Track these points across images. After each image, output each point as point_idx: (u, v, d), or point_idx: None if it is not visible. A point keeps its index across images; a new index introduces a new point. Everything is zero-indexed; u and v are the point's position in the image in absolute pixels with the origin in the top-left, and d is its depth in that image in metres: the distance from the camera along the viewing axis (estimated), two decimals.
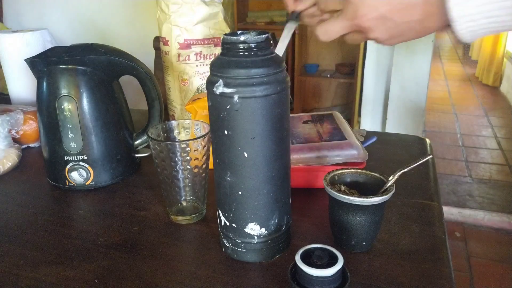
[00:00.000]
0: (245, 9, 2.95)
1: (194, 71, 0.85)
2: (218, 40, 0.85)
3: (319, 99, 3.18)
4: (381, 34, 0.41)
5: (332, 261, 0.41)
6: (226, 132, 0.45)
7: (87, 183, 0.69)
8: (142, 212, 0.63)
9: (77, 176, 0.68)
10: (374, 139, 0.79)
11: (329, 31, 0.43)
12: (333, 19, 0.42)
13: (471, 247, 1.88)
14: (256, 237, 0.50)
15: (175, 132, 0.62)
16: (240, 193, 0.47)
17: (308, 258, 0.41)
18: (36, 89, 0.69)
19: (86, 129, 0.67)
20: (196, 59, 0.85)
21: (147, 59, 1.00)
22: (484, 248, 1.88)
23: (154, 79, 0.75)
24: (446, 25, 0.37)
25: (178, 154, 0.54)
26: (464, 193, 2.25)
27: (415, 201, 0.63)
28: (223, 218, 0.51)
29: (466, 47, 5.97)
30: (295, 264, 0.41)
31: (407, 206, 0.61)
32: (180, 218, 0.60)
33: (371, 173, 0.53)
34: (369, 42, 2.31)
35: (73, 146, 0.68)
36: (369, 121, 2.42)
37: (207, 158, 0.58)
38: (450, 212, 2.08)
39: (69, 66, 0.66)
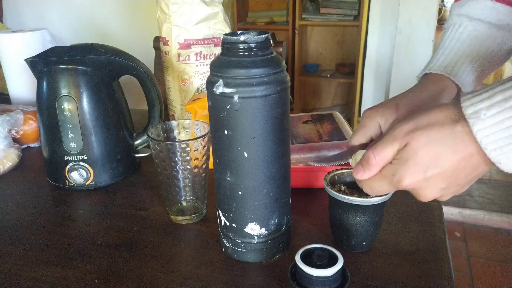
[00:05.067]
0: (245, 9, 2.95)
1: (194, 71, 0.85)
2: (218, 40, 0.85)
3: (319, 99, 3.19)
4: (431, 195, 0.40)
5: (332, 261, 0.41)
6: (226, 132, 0.45)
7: (87, 183, 0.69)
8: (142, 212, 0.63)
9: (77, 176, 0.68)
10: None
11: (374, 190, 0.43)
12: (380, 178, 0.41)
13: (471, 247, 1.88)
14: (256, 237, 0.50)
15: (175, 132, 0.62)
16: (240, 193, 0.47)
17: (308, 258, 0.41)
18: (36, 89, 0.69)
19: (86, 129, 0.67)
20: (196, 59, 0.85)
21: (147, 59, 1.00)
22: (484, 248, 1.88)
23: (154, 79, 0.75)
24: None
25: (178, 154, 0.54)
26: (464, 193, 2.25)
27: (415, 201, 0.62)
28: (223, 218, 0.51)
29: None
30: (295, 264, 0.41)
31: (407, 206, 0.61)
32: (180, 218, 0.60)
33: None
34: (368, 42, 2.32)
35: (73, 146, 0.68)
36: None
37: (207, 158, 0.58)
38: (450, 212, 2.08)
39: (69, 66, 0.66)
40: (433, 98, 0.52)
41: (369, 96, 2.45)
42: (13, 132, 0.83)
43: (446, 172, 0.37)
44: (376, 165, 0.40)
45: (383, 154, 0.40)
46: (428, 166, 0.37)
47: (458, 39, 0.56)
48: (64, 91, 0.66)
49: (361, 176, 0.42)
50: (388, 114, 0.49)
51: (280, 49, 1.29)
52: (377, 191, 0.42)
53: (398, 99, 0.51)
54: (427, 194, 0.39)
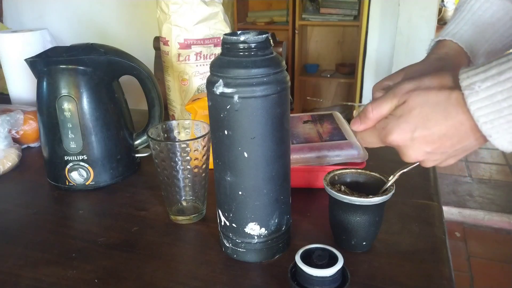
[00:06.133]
0: (245, 9, 2.95)
1: (194, 71, 0.85)
2: (218, 40, 0.85)
3: (319, 99, 3.18)
4: (415, 155, 0.40)
5: (332, 261, 0.41)
6: (226, 132, 0.45)
7: (87, 183, 0.69)
8: (142, 212, 0.63)
9: (77, 176, 0.68)
10: None
11: (365, 141, 0.44)
12: (372, 130, 0.42)
13: (471, 247, 1.88)
14: (256, 237, 0.50)
15: (175, 132, 0.62)
16: (240, 193, 0.47)
17: (308, 258, 0.41)
18: (36, 89, 0.69)
19: (86, 129, 0.67)
20: (196, 59, 0.85)
21: (147, 59, 1.00)
22: (484, 248, 1.88)
23: (154, 79, 0.75)
24: (485, 140, 0.37)
25: (178, 154, 0.54)
26: (464, 193, 2.25)
27: (415, 201, 0.63)
28: (223, 218, 0.51)
29: None
30: (295, 264, 0.41)
31: (407, 206, 0.61)
32: (180, 218, 0.60)
33: (371, 173, 0.53)
34: (368, 42, 2.32)
35: (73, 146, 0.68)
36: None
37: (207, 158, 0.58)
38: (450, 212, 2.08)
39: (69, 66, 0.66)
40: (439, 59, 0.52)
41: (369, 96, 2.45)
42: (13, 132, 0.83)
43: (432, 136, 0.38)
44: (372, 119, 0.41)
45: (380, 109, 0.41)
46: (417, 126, 0.38)
47: (470, 10, 0.56)
48: (64, 91, 0.66)
49: (357, 127, 0.43)
50: (395, 78, 0.50)
51: (280, 49, 1.29)
52: (367, 141, 0.43)
53: (405, 67, 0.53)
54: (410, 154, 0.40)
